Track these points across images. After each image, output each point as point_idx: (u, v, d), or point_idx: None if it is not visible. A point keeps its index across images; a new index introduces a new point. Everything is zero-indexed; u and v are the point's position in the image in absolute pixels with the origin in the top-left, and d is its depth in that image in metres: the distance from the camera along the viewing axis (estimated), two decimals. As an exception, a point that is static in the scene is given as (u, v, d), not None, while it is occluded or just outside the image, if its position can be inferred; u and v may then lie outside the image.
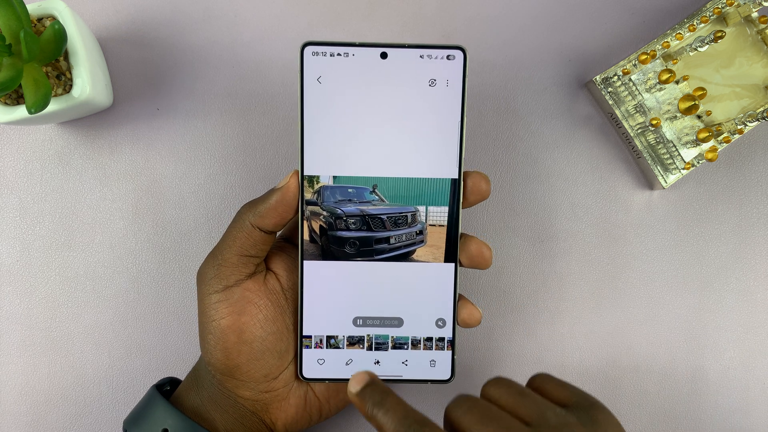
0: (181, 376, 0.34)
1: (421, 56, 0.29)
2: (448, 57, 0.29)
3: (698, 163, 0.37)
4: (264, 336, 0.30)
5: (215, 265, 0.30)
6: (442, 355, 0.31)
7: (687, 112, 0.36)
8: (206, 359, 0.30)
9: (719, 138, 0.37)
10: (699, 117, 0.38)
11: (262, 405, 0.31)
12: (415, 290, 0.31)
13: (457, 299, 0.31)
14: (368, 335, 0.31)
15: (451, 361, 0.31)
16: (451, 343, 0.31)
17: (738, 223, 0.40)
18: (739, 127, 0.36)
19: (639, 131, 0.38)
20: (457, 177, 0.30)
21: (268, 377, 0.30)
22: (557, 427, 0.24)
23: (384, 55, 0.29)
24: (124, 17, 0.39)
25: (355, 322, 0.31)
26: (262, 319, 0.30)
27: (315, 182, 0.30)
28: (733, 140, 0.37)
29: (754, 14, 0.37)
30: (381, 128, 0.30)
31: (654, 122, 0.36)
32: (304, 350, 0.31)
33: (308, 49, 0.29)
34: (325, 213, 0.30)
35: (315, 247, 0.31)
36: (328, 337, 0.31)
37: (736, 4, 0.37)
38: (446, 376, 0.31)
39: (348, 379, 0.31)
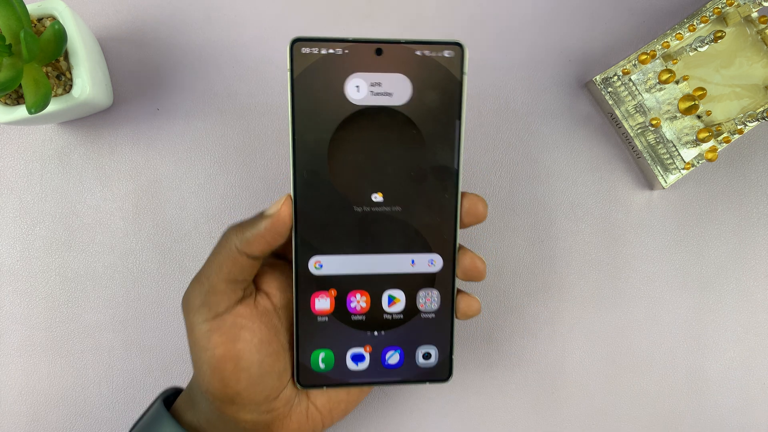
0: (181, 376, 0.34)
1: (417, 53, 0.28)
2: (445, 53, 0.28)
3: (698, 163, 0.37)
4: (261, 359, 0.29)
5: (202, 292, 0.28)
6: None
7: (687, 112, 0.36)
8: (203, 388, 0.29)
9: (719, 138, 0.37)
10: (699, 117, 0.38)
11: (263, 425, 0.30)
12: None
13: (456, 293, 0.31)
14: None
15: (448, 361, 0.31)
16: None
17: (738, 223, 0.40)
18: (739, 127, 0.36)
19: (639, 131, 0.38)
20: (455, 178, 0.29)
21: (269, 398, 0.30)
22: None
23: (379, 52, 0.28)
24: (124, 17, 0.39)
25: None
26: (257, 343, 0.29)
27: None
28: (733, 140, 0.37)
29: (754, 14, 0.37)
30: None
31: (654, 122, 0.36)
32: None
33: (298, 46, 0.27)
34: None
35: None
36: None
37: (736, 4, 0.37)
38: (444, 376, 0.31)
39: (347, 384, 0.31)
